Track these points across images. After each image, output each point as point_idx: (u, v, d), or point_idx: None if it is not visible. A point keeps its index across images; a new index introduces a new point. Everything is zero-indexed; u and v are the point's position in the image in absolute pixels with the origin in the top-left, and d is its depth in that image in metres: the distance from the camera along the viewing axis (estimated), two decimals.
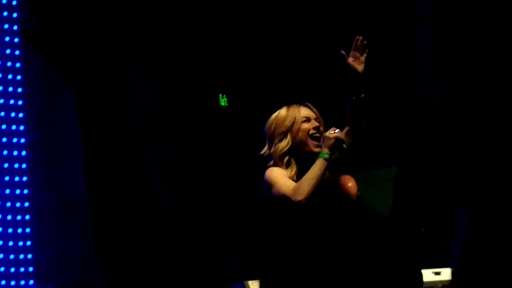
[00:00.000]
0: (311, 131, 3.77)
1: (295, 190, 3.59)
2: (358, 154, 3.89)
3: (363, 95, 3.78)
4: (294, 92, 6.29)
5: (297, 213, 3.63)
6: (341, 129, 3.77)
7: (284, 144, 3.75)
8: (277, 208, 3.67)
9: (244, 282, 4.96)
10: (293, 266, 3.62)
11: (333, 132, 3.70)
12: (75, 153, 6.40)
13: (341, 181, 5.61)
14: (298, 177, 3.72)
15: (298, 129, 3.76)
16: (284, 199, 3.60)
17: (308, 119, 3.79)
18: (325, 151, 3.66)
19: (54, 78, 6.44)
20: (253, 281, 4.93)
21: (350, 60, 3.76)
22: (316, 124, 3.79)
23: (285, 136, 3.76)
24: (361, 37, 3.80)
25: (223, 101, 6.96)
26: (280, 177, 3.66)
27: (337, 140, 3.67)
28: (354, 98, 3.77)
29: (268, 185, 3.67)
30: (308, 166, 3.73)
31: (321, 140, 3.73)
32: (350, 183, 5.63)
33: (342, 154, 3.71)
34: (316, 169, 3.63)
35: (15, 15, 6.48)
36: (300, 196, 3.57)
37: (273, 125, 3.81)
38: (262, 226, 3.82)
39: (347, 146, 3.78)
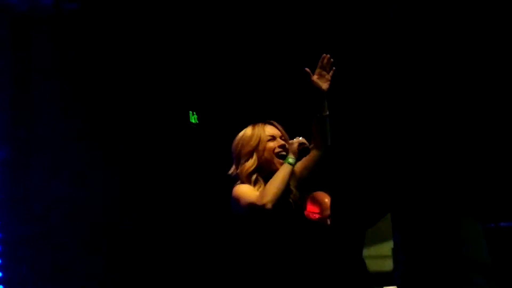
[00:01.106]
0: (277, 150, 3.80)
1: (261, 195, 3.62)
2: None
3: (327, 113, 3.82)
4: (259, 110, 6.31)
5: (265, 227, 3.65)
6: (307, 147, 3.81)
7: (251, 164, 3.78)
8: (245, 222, 3.68)
9: None
10: (263, 281, 3.63)
11: (296, 139, 3.74)
12: None
13: (316, 197, 5.63)
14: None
15: (264, 148, 3.79)
16: (251, 207, 3.62)
17: (273, 138, 3.82)
18: (290, 156, 3.70)
19: None
20: None
21: (315, 77, 3.80)
22: (282, 142, 3.81)
23: (251, 156, 3.79)
24: (328, 55, 3.84)
25: (193, 118, 6.95)
26: (246, 189, 3.70)
27: (301, 144, 3.71)
28: (318, 115, 3.81)
29: (236, 200, 3.69)
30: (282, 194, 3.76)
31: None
32: (326, 199, 5.66)
33: (306, 154, 3.75)
34: (281, 173, 3.67)
35: None
36: (265, 200, 3.60)
37: (239, 145, 3.83)
38: (233, 242, 3.83)
39: (314, 162, 3.81)
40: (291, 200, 3.83)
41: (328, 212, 5.59)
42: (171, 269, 6.73)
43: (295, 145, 3.75)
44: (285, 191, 3.73)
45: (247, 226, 3.71)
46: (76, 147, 6.45)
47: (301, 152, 3.74)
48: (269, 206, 3.60)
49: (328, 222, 5.56)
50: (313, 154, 3.85)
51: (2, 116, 6.33)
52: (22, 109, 6.40)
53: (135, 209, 6.66)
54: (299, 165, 3.87)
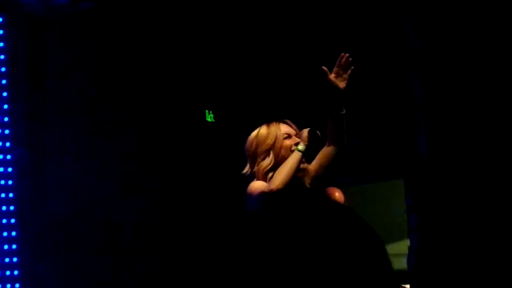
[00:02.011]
0: (293, 147, 3.80)
1: (270, 182, 3.62)
2: (351, 168, 3.92)
3: (344, 111, 3.81)
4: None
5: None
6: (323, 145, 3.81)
7: (268, 162, 3.78)
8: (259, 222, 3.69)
9: None
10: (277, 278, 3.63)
11: (305, 129, 3.76)
12: None
13: (327, 192, 5.65)
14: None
15: (280, 147, 3.80)
16: (261, 196, 3.62)
17: (289, 136, 3.83)
18: (301, 143, 3.71)
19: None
20: None
21: (332, 76, 3.79)
22: (297, 140, 3.82)
23: (268, 154, 3.79)
24: (346, 55, 3.83)
25: (209, 117, 6.95)
26: (260, 184, 3.71)
27: (310, 130, 3.72)
28: (334, 114, 3.80)
29: (249, 195, 3.69)
30: (292, 179, 3.76)
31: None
32: (337, 193, 5.67)
33: (318, 143, 3.75)
34: (290, 160, 3.69)
35: None
36: (273, 185, 3.61)
37: (254, 144, 3.84)
38: (245, 240, 3.83)
39: (329, 160, 3.82)
40: None
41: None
42: (185, 268, 6.74)
43: (305, 133, 3.76)
44: (298, 186, 3.75)
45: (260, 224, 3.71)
46: (95, 145, 6.46)
47: (311, 139, 3.74)
48: (276, 188, 3.60)
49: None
50: (328, 151, 3.86)
51: (18, 115, 6.35)
52: (38, 108, 6.41)
53: (152, 209, 6.67)
54: (314, 164, 3.88)
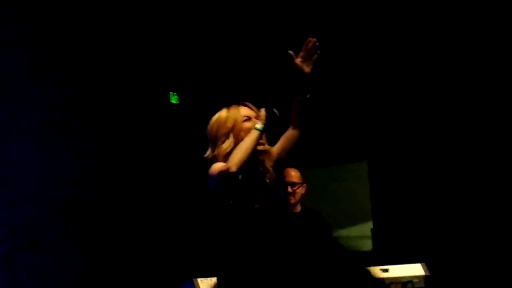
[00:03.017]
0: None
1: (228, 160, 3.65)
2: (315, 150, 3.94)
3: (308, 96, 3.82)
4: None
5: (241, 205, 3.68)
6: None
7: (227, 145, 3.80)
8: (221, 199, 3.71)
9: (194, 280, 4.96)
10: (242, 260, 3.66)
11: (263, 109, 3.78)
12: None
13: (284, 173, 5.69)
14: (243, 173, 3.76)
15: (240, 129, 3.82)
16: (220, 175, 3.65)
17: (248, 118, 3.85)
18: (259, 122, 3.73)
19: None
20: (201, 279, 4.93)
21: (298, 60, 3.80)
22: (257, 122, 3.83)
23: (228, 137, 3.81)
24: (313, 39, 3.84)
25: (174, 99, 6.94)
26: (220, 164, 3.72)
27: (267, 109, 3.73)
28: (299, 97, 3.82)
29: (210, 176, 3.71)
30: (252, 162, 3.78)
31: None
32: (293, 173, 5.72)
33: (275, 122, 3.76)
34: (247, 139, 3.71)
35: None
36: (231, 163, 3.64)
37: (215, 127, 3.85)
38: (211, 224, 3.85)
39: (292, 143, 3.85)
40: (267, 180, 3.85)
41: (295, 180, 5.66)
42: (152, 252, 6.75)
43: (263, 112, 3.77)
44: (260, 171, 3.77)
45: (223, 204, 3.73)
46: (53, 130, 6.41)
47: (269, 118, 3.75)
48: (233, 169, 3.62)
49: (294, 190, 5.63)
50: (291, 135, 3.88)
51: None
52: None
53: (116, 191, 6.65)
54: (277, 147, 3.90)
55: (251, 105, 3.88)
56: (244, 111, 3.87)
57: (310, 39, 3.83)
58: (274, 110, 3.76)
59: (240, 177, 3.73)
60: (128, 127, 6.83)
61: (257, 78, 7.14)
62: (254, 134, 3.73)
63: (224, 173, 3.65)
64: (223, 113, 3.88)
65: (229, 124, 3.82)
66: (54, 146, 6.36)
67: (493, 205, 6.41)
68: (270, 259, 3.70)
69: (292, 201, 5.66)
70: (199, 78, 7.23)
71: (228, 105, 3.93)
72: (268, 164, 3.86)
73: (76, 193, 6.43)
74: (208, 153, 3.85)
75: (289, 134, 3.88)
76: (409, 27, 7.16)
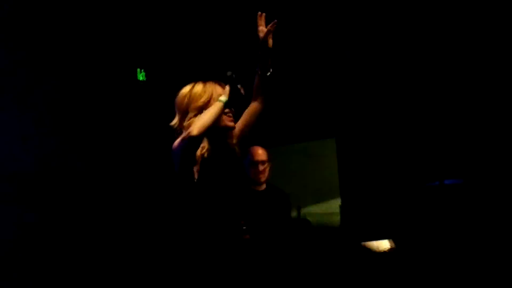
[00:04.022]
0: (226, 109, 3.80)
1: (189, 128, 3.64)
2: (283, 127, 3.93)
3: (270, 71, 3.83)
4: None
5: (207, 182, 3.66)
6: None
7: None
8: (186, 179, 3.69)
9: None
10: (206, 239, 3.66)
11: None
12: None
13: (251, 151, 5.70)
14: (209, 152, 3.75)
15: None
16: (181, 143, 3.63)
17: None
18: (223, 95, 3.73)
19: None
20: None
21: (262, 29, 3.82)
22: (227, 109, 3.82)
23: (200, 112, 3.78)
24: (263, 14, 3.86)
25: (141, 76, 6.90)
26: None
27: (232, 86, 3.72)
28: (260, 72, 3.83)
29: (174, 149, 3.69)
30: (220, 139, 3.77)
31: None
32: (260, 151, 5.73)
33: (238, 96, 3.76)
34: (211, 109, 3.71)
35: None
36: (192, 128, 3.62)
37: (187, 99, 3.82)
38: (176, 199, 3.84)
39: (254, 118, 3.86)
40: (233, 158, 3.85)
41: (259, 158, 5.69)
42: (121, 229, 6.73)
43: (227, 86, 3.77)
44: (226, 149, 3.77)
45: (187, 181, 3.71)
46: (20, 106, 6.36)
47: (232, 91, 3.74)
48: (194, 132, 3.61)
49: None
50: (253, 110, 3.89)
51: None
52: None
53: (81, 171, 6.61)
54: (239, 123, 3.89)
55: (226, 87, 3.86)
56: (219, 89, 3.85)
57: (258, 13, 3.86)
58: (239, 86, 3.76)
59: (205, 155, 3.73)
60: (94, 104, 6.78)
61: (224, 54, 7.11)
62: (217, 105, 3.72)
63: (185, 139, 3.63)
64: (198, 87, 3.85)
65: (204, 99, 3.80)
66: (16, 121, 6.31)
67: (445, 183, 6.47)
68: (236, 237, 3.71)
69: (262, 179, 5.68)
70: (166, 54, 7.19)
71: (196, 80, 3.90)
72: (233, 141, 3.86)
73: (42, 169, 6.38)
74: (175, 122, 3.83)
75: (251, 109, 3.89)
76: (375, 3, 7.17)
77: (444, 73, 6.91)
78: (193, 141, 3.63)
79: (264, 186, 5.72)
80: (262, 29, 3.85)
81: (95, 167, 6.67)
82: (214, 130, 3.76)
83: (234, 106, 3.78)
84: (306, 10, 7.19)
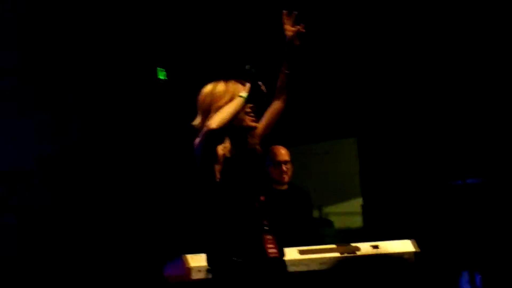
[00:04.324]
0: (248, 109, 3.78)
1: (209, 122, 3.63)
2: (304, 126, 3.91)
3: (294, 70, 3.82)
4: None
5: (229, 179, 3.65)
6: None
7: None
8: (206, 175, 3.67)
9: (183, 256, 4.95)
10: (231, 237, 3.64)
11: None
12: None
13: (272, 150, 5.68)
14: (231, 152, 3.73)
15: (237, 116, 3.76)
16: (202, 138, 3.62)
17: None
18: (244, 92, 3.70)
19: None
20: (191, 255, 4.92)
21: (289, 27, 3.81)
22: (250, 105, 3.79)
23: None
24: (292, 13, 3.84)
25: (161, 75, 6.89)
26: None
27: (253, 83, 3.69)
28: (286, 71, 3.82)
29: (196, 148, 3.69)
30: (242, 139, 3.76)
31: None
32: (282, 151, 5.71)
33: (261, 95, 3.73)
34: (231, 104, 3.68)
35: None
36: (212, 123, 3.61)
37: (209, 99, 3.80)
38: (198, 199, 3.83)
39: (276, 116, 3.84)
40: (255, 158, 3.83)
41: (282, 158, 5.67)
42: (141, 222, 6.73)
43: (248, 84, 3.75)
44: (248, 149, 3.75)
45: (210, 179, 3.70)
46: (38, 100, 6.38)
47: (253, 89, 3.71)
48: (213, 125, 3.60)
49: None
50: (275, 109, 3.88)
51: None
52: None
53: (103, 170, 6.62)
54: (261, 123, 3.88)
55: (248, 86, 3.83)
56: (241, 89, 3.82)
57: (283, 11, 3.84)
58: (260, 83, 3.73)
59: (227, 154, 3.71)
60: (115, 103, 6.79)
61: (245, 54, 7.09)
62: (237, 100, 3.70)
63: (205, 134, 3.62)
64: (220, 87, 3.82)
65: (226, 99, 3.77)
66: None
67: (467, 182, 6.43)
68: (259, 235, 3.69)
69: (286, 179, 5.66)
70: (187, 54, 7.18)
71: (217, 79, 3.88)
72: (255, 141, 3.85)
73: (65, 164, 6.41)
74: (198, 122, 3.81)
75: (273, 108, 3.89)
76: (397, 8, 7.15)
77: (468, 72, 6.87)
78: (212, 135, 3.61)
79: (286, 186, 5.70)
80: (290, 28, 3.83)
81: (116, 167, 6.68)
82: (236, 130, 3.75)
83: (254, 102, 3.76)
84: (327, 8, 7.17)
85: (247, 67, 3.72)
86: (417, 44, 7.15)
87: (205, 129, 3.63)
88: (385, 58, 7.36)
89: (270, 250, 3.68)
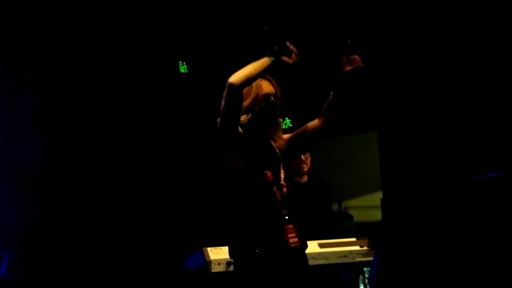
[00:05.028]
0: (271, 99, 3.77)
1: (230, 77, 3.58)
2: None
3: (345, 98, 3.80)
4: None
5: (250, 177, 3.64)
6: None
7: (244, 118, 3.75)
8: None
9: (203, 249, 4.97)
10: (252, 229, 3.65)
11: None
12: None
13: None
14: (251, 141, 3.73)
15: (259, 107, 3.76)
16: (224, 95, 3.56)
17: (268, 97, 3.77)
18: (273, 55, 3.64)
19: None
20: (211, 248, 4.94)
21: (348, 65, 3.79)
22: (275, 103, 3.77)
23: (245, 109, 3.74)
24: (349, 41, 3.82)
25: (182, 68, 6.91)
26: None
27: (281, 44, 3.62)
28: (335, 99, 3.80)
29: (218, 126, 3.66)
30: (263, 133, 3.76)
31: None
32: (307, 156, 5.72)
33: (288, 51, 3.65)
34: (256, 63, 3.63)
35: None
36: (233, 78, 3.55)
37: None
38: (219, 191, 3.85)
39: (312, 137, 3.80)
40: (277, 149, 3.83)
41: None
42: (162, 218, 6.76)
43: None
44: (271, 141, 3.74)
45: (231, 171, 3.69)
46: (59, 98, 6.41)
47: (280, 51, 3.65)
48: (232, 80, 3.51)
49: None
50: (314, 125, 3.83)
51: None
52: None
53: (126, 162, 6.65)
54: (295, 132, 3.87)
55: (271, 79, 3.80)
56: (265, 87, 3.80)
57: (348, 41, 3.82)
58: (287, 43, 3.64)
59: (249, 141, 3.71)
60: (137, 97, 6.81)
61: (268, 46, 7.09)
62: (264, 60, 3.64)
63: (226, 93, 3.54)
64: (249, 87, 3.79)
65: (250, 100, 3.74)
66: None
67: (488, 176, 6.39)
68: (280, 226, 3.69)
69: (305, 169, 5.67)
70: (208, 47, 7.19)
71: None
72: (282, 144, 3.83)
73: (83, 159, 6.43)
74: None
75: (311, 124, 3.82)
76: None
77: (491, 64, 6.84)
78: (233, 92, 3.54)
79: (305, 178, 5.71)
80: (348, 65, 3.81)
81: (138, 160, 6.71)
82: (258, 124, 3.75)
83: (282, 57, 3.64)
84: (349, 3, 7.16)
85: (265, 28, 3.64)
86: (437, 38, 7.12)
87: (225, 90, 3.58)
88: (406, 51, 7.34)
89: (292, 240, 3.67)
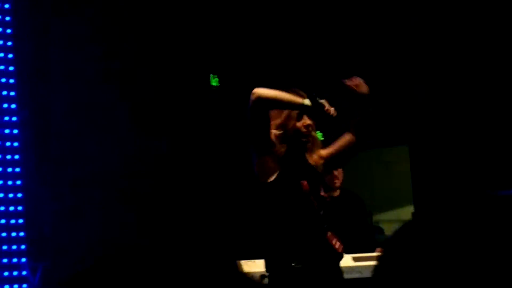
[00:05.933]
0: (303, 130, 3.76)
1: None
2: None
3: (369, 115, 3.81)
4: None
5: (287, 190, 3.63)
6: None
7: (277, 133, 3.75)
8: (263, 185, 3.66)
9: (237, 262, 4.96)
10: (288, 242, 3.63)
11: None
12: None
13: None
14: (284, 154, 3.72)
15: (292, 126, 3.75)
16: (249, 107, 3.59)
17: (301, 116, 3.76)
18: (308, 101, 3.65)
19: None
20: (245, 261, 4.94)
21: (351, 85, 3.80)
22: (308, 122, 3.76)
23: (278, 128, 3.74)
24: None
25: (214, 81, 6.93)
26: None
27: (312, 96, 3.65)
28: (358, 118, 3.82)
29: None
30: (296, 150, 3.75)
31: None
32: (339, 171, 5.70)
33: (324, 116, 3.69)
34: (290, 95, 3.64)
35: None
36: (261, 89, 3.57)
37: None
38: (254, 207, 3.84)
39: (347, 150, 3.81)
40: (313, 163, 3.83)
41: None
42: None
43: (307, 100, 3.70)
44: (306, 156, 3.73)
45: (266, 183, 3.68)
46: (103, 112, 6.47)
47: (314, 103, 3.67)
48: (257, 91, 3.54)
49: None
50: (347, 138, 3.87)
51: (23, 77, 6.34)
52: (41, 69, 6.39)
53: (160, 175, 6.68)
54: (331, 147, 3.88)
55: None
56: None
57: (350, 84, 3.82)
58: (326, 107, 3.68)
59: (282, 156, 3.70)
60: (168, 110, 6.84)
61: (298, 60, 7.10)
62: (296, 97, 3.66)
63: (251, 103, 3.57)
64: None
65: (283, 118, 3.74)
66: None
67: None
68: (315, 241, 3.67)
69: (338, 184, 5.66)
70: (240, 60, 7.21)
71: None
72: (317, 161, 3.84)
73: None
74: None
75: (344, 137, 3.86)
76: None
77: None
78: (256, 101, 3.56)
79: (338, 192, 5.69)
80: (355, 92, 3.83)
81: (170, 173, 6.73)
82: (291, 137, 3.75)
83: (315, 119, 3.73)
84: (381, 15, 7.15)
85: (313, 94, 3.70)
86: (469, 54, 7.08)
87: (251, 93, 3.59)
88: (437, 65, 7.31)
89: (337, 246, 3.67)
